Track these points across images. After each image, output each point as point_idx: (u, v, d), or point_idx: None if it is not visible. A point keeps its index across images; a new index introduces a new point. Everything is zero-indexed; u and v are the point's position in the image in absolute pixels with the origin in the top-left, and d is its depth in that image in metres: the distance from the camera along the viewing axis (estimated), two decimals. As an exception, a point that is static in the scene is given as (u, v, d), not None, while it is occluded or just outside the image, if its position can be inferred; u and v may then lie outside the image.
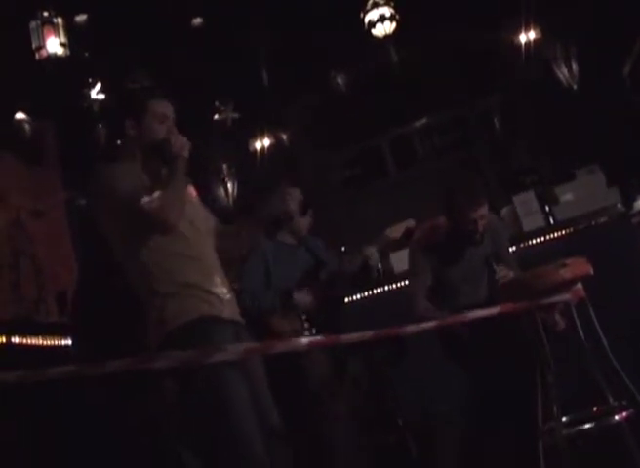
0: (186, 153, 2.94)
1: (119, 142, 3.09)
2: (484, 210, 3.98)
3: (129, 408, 4.32)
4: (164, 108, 3.04)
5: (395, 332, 3.10)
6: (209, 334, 2.82)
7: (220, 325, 2.89)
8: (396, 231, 4.42)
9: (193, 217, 3.04)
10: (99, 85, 6.71)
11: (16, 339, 5.03)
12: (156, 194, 2.83)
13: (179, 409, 3.81)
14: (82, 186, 7.23)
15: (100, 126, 7.06)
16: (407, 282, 4.50)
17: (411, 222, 4.40)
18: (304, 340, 3.26)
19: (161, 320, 2.85)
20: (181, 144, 2.94)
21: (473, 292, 4.12)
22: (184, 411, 3.17)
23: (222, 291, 3.00)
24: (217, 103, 7.28)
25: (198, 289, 2.91)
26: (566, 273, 3.37)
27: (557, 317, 3.61)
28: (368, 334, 3.04)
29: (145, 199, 2.82)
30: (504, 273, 3.91)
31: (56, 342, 5.29)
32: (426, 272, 4.11)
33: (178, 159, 2.92)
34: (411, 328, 3.21)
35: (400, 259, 5.15)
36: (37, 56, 6.04)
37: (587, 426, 3.40)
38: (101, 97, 6.72)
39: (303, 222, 4.84)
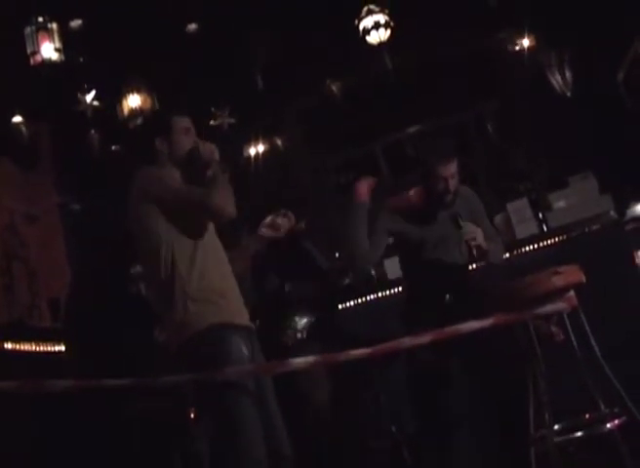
0: (217, 156, 3.17)
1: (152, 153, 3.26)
2: (453, 168, 4.00)
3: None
4: (186, 122, 3.28)
5: (392, 348, 3.11)
6: (226, 341, 2.97)
7: (236, 331, 3.03)
8: None
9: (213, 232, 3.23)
10: (93, 91, 6.70)
11: (8, 345, 5.03)
12: (209, 187, 3.06)
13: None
14: (76, 191, 7.30)
15: (94, 131, 7.08)
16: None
17: None
18: (305, 360, 3.30)
19: (183, 322, 3.01)
20: (210, 150, 3.19)
21: (446, 253, 4.08)
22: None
23: (236, 298, 3.16)
24: (213, 109, 7.28)
25: (217, 294, 3.06)
26: (558, 281, 3.38)
27: (552, 328, 3.61)
28: (366, 351, 3.07)
29: (202, 191, 3.05)
30: (471, 230, 3.87)
31: (48, 348, 5.28)
32: (382, 233, 4.11)
33: (212, 163, 3.15)
34: (406, 341, 3.23)
35: (394, 265, 5.15)
36: (32, 61, 6.04)
37: (579, 433, 3.42)
38: (96, 103, 6.71)
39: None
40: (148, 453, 4.34)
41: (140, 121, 6.67)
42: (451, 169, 3.99)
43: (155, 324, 4.24)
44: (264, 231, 3.49)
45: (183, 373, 3.02)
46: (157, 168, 3.21)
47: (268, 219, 3.51)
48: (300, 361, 3.28)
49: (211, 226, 3.19)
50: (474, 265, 4.58)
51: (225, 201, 3.03)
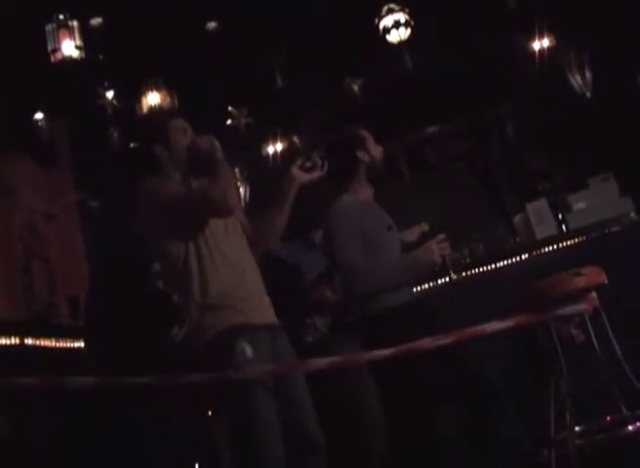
0: (217, 144, 3.13)
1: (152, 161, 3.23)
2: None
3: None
4: (181, 123, 3.26)
5: (414, 349, 3.09)
6: (242, 343, 2.95)
7: (254, 332, 3.00)
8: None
9: (227, 222, 3.18)
10: (113, 90, 6.73)
11: (29, 341, 5.06)
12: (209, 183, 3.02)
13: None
14: (95, 188, 7.33)
15: (113, 129, 7.11)
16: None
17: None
18: (324, 360, 3.26)
19: (199, 329, 3.02)
20: (209, 141, 3.15)
21: None
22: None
23: (258, 295, 3.13)
24: (230, 108, 7.29)
25: (232, 298, 3.03)
26: (580, 282, 3.37)
27: (573, 330, 3.59)
28: (386, 352, 3.05)
29: (201, 188, 3.04)
30: None
31: (68, 344, 5.30)
32: None
33: (213, 154, 3.10)
34: (428, 342, 3.21)
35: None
36: (52, 58, 6.07)
37: (600, 436, 3.40)
38: (115, 100, 6.75)
39: (316, 235, 4.91)
40: (167, 452, 4.34)
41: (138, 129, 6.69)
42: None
43: (174, 321, 4.25)
44: (299, 174, 3.29)
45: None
46: (155, 177, 3.18)
47: (298, 163, 3.32)
48: (319, 361, 3.24)
49: (224, 225, 3.15)
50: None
51: (226, 193, 3.00)
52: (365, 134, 3.79)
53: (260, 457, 2.86)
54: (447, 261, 3.68)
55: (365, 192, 3.74)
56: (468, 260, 5.43)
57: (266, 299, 3.17)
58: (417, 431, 3.42)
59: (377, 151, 3.77)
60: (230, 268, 3.09)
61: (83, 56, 6.12)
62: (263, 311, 3.12)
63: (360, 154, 3.71)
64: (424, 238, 4.18)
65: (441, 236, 3.57)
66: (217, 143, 3.14)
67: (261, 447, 2.87)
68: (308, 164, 3.31)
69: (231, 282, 3.06)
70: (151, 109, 6.75)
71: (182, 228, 3.06)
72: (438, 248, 3.51)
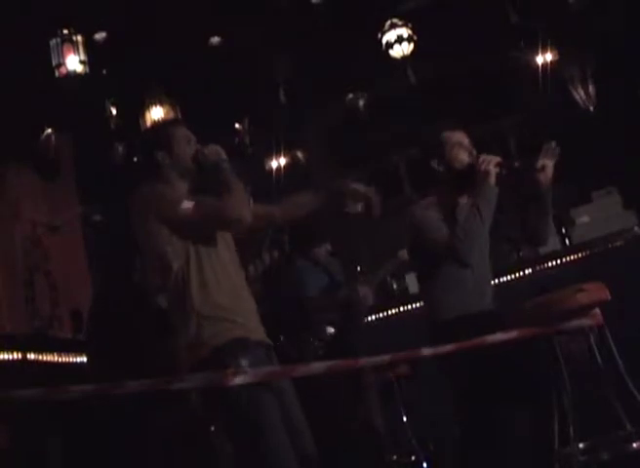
0: (223, 155, 3.09)
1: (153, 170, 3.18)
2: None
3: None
4: (185, 131, 3.20)
5: (412, 356, 3.08)
6: (242, 356, 2.89)
7: (253, 347, 2.97)
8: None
9: (226, 236, 3.15)
10: (117, 104, 6.76)
11: (31, 356, 5.05)
12: (222, 198, 2.98)
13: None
14: (98, 202, 7.35)
15: (116, 143, 7.13)
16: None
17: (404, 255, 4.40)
18: (323, 364, 3.25)
19: (198, 341, 2.94)
20: (215, 150, 3.10)
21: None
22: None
23: (250, 313, 3.09)
24: (235, 124, 7.31)
25: (230, 311, 2.99)
26: (583, 298, 3.35)
27: (577, 345, 3.56)
28: (385, 358, 3.04)
29: (214, 202, 2.99)
30: None
31: (70, 359, 5.30)
32: None
33: (220, 164, 3.06)
34: (427, 351, 3.21)
35: (415, 280, 5.14)
36: (57, 73, 6.09)
37: (604, 453, 3.38)
38: (119, 115, 6.77)
39: (320, 251, 4.93)
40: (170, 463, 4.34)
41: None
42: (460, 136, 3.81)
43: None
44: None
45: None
46: (161, 184, 3.11)
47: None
48: (318, 365, 3.22)
49: (223, 239, 3.12)
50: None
51: (241, 207, 2.97)
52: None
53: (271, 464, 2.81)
54: (503, 169, 3.63)
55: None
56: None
57: (258, 317, 3.13)
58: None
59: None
60: (230, 282, 3.05)
61: (87, 70, 6.14)
62: (259, 329, 3.09)
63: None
64: None
65: (482, 156, 3.62)
66: (223, 153, 3.09)
67: (272, 453, 2.81)
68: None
69: (232, 295, 3.03)
70: (155, 124, 6.76)
71: (185, 237, 3.00)
72: (487, 164, 3.57)
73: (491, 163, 3.61)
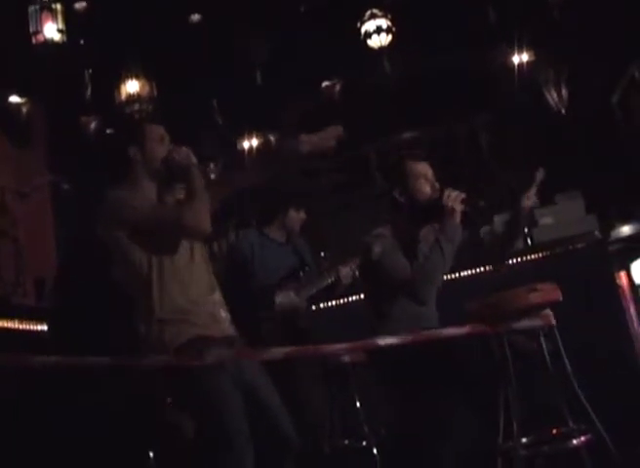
0: (194, 160, 3.11)
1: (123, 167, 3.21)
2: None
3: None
4: (160, 130, 3.23)
5: (369, 346, 3.15)
6: (205, 352, 2.94)
7: (213, 344, 3.01)
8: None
9: (193, 242, 3.17)
10: (92, 75, 6.73)
11: (-8, 322, 5.05)
12: (183, 205, 3.03)
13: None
14: (68, 171, 7.30)
15: (90, 114, 7.10)
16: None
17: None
18: (282, 350, 3.30)
19: (160, 345, 3.00)
20: (185, 154, 3.12)
21: None
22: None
23: (216, 309, 3.13)
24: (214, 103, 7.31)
25: (190, 313, 3.05)
26: (535, 298, 3.44)
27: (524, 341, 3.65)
28: (343, 346, 3.10)
29: (174, 211, 3.04)
30: None
31: (32, 327, 5.30)
32: None
33: (189, 168, 3.09)
34: (384, 341, 3.28)
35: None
36: (34, 40, 6.05)
37: (545, 448, 3.48)
38: (94, 86, 6.75)
39: (296, 218, 4.90)
40: (126, 438, 4.37)
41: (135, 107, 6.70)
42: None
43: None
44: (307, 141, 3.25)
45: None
46: (128, 187, 3.14)
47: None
48: (277, 351, 3.27)
49: (191, 246, 3.15)
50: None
51: (200, 218, 2.99)
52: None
53: (225, 430, 2.87)
54: (467, 206, 3.68)
55: None
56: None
57: (227, 315, 3.18)
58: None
59: None
60: (190, 288, 3.09)
61: (64, 39, 6.11)
62: (223, 326, 3.13)
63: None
64: None
65: (447, 191, 3.67)
66: (193, 157, 3.12)
67: (225, 421, 2.87)
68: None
69: (194, 298, 3.08)
70: (129, 97, 6.75)
71: (147, 241, 3.04)
72: (453, 201, 3.62)
73: (457, 200, 3.66)
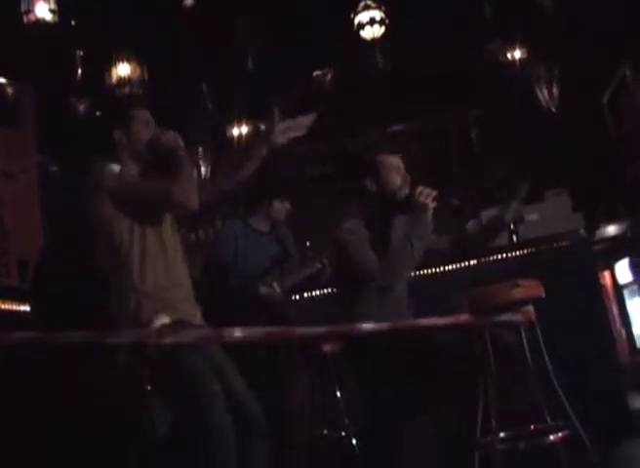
0: (181, 143, 3.13)
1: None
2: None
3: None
4: (146, 115, 3.27)
5: (347, 332, 3.16)
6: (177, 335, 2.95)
7: (187, 325, 3.04)
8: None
9: (172, 222, 3.23)
10: (83, 57, 6.69)
11: (-26, 301, 5.03)
12: (172, 181, 3.03)
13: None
14: (56, 153, 7.27)
15: (79, 95, 7.06)
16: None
17: None
18: (261, 331, 3.31)
19: (136, 319, 3.02)
20: (172, 137, 3.15)
21: None
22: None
23: (185, 298, 3.17)
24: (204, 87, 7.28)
25: (168, 292, 3.08)
26: (518, 294, 3.46)
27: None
28: (321, 330, 3.11)
29: (162, 185, 3.03)
30: None
31: (14, 307, 5.28)
32: None
33: (176, 151, 3.11)
34: (365, 327, 3.29)
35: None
36: (25, 19, 6.01)
37: (523, 443, 3.50)
38: (85, 67, 6.71)
39: (280, 208, 4.90)
40: (104, 419, 4.35)
41: (127, 90, 6.67)
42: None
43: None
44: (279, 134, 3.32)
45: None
46: (114, 163, 3.17)
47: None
48: (253, 332, 3.27)
49: (169, 224, 3.21)
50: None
51: (188, 193, 3.03)
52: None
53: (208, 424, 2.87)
54: (439, 203, 3.75)
55: None
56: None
57: (197, 307, 3.23)
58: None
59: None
60: (169, 267, 3.13)
61: (56, 20, 6.06)
62: (195, 315, 3.19)
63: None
64: None
65: (420, 188, 3.71)
66: (180, 140, 3.14)
67: (208, 410, 2.88)
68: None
69: (171, 278, 3.12)
70: (120, 80, 6.72)
71: (130, 214, 3.07)
72: (425, 197, 3.66)
73: (429, 197, 3.71)
